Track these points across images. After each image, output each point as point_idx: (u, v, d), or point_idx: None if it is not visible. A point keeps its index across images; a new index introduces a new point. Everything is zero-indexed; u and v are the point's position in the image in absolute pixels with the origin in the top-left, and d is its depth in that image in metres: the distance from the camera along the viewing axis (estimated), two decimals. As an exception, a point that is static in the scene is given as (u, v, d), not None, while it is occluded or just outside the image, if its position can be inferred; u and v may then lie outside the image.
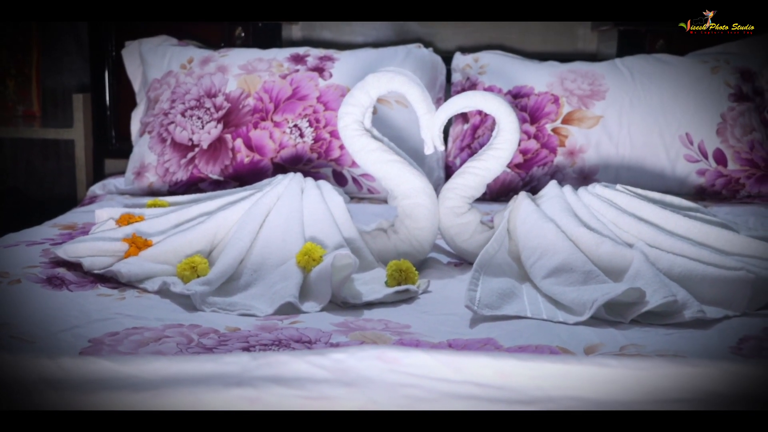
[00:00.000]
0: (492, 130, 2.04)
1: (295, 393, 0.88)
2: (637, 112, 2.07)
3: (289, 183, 1.57)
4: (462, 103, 1.55)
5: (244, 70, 2.11)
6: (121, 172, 2.27)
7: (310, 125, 2.04)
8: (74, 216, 1.87)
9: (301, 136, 2.03)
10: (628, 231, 1.45)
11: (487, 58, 2.21)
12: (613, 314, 1.26)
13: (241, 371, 0.91)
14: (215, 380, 0.90)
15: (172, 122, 2.07)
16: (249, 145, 2.03)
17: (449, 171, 2.11)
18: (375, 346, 0.97)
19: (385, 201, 1.99)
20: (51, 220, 1.82)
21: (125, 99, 2.40)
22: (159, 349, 1.10)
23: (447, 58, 2.28)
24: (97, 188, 2.17)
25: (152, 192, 2.06)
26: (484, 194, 1.78)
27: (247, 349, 1.10)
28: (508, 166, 2.02)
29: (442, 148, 1.54)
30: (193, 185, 2.04)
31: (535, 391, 0.90)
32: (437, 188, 1.60)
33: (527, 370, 0.91)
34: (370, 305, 1.33)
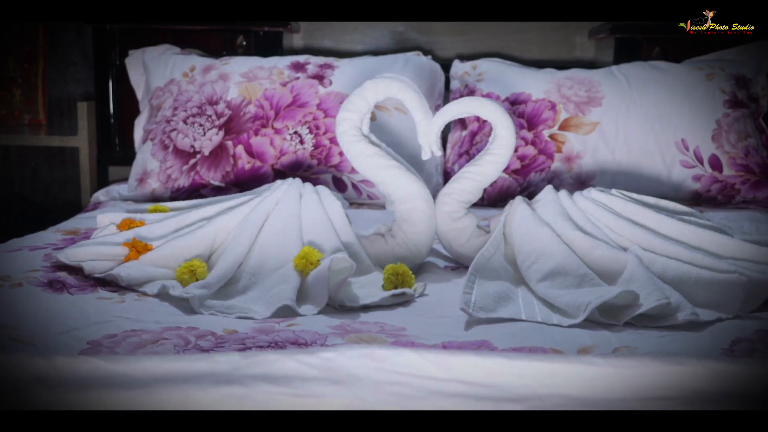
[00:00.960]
0: (490, 136, 2.05)
1: (284, 390, 0.89)
2: (634, 119, 2.08)
3: (288, 188, 1.58)
4: (458, 108, 1.57)
5: (245, 78, 2.13)
6: (125, 179, 2.29)
7: (311, 132, 2.06)
8: (77, 222, 1.89)
9: (302, 142, 2.05)
10: (622, 235, 1.46)
11: (485, 65, 2.23)
12: (607, 317, 1.27)
13: (232, 370, 0.93)
14: (206, 378, 0.91)
15: (174, 129, 2.10)
16: (250, 152, 2.05)
17: (448, 177, 2.12)
18: (364, 345, 0.98)
19: (384, 207, 2.00)
20: (54, 225, 1.84)
21: (129, 107, 2.43)
22: (155, 351, 1.11)
23: (446, 66, 2.30)
24: (100, 195, 2.19)
25: (155, 198, 2.08)
26: (482, 199, 1.79)
27: (242, 351, 1.12)
28: (506, 171, 2.04)
29: (439, 153, 1.56)
30: (195, 191, 2.06)
31: (523, 389, 0.91)
32: (436, 194, 1.62)
33: (514, 368, 0.92)
34: (366, 308, 1.34)
